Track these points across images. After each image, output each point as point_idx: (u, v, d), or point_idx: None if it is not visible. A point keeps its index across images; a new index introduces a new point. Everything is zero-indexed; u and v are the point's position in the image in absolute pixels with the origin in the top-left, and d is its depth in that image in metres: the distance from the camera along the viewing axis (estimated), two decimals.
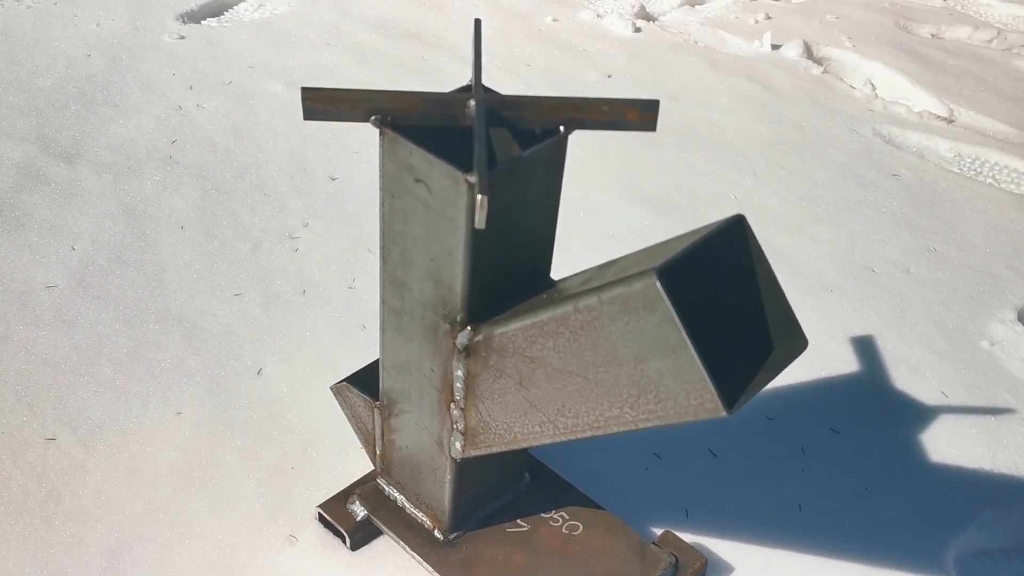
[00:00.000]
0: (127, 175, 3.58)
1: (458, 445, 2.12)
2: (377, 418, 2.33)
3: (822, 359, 3.09)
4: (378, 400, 2.31)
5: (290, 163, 3.77)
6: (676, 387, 1.61)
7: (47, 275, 3.09)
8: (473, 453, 2.11)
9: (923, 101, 4.76)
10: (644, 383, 1.67)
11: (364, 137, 3.94)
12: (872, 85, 4.81)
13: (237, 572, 2.30)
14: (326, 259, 3.30)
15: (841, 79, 4.91)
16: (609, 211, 3.69)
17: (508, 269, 1.97)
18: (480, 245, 1.85)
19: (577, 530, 2.38)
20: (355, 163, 3.81)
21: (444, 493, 2.25)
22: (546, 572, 2.26)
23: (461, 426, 2.09)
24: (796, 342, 1.72)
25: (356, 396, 2.37)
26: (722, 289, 1.67)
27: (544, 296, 1.90)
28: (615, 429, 1.77)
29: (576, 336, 1.75)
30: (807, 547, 2.48)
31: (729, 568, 2.41)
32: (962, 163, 4.30)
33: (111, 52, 4.37)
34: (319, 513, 2.44)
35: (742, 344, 1.68)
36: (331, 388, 2.44)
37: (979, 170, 4.27)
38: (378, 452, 2.40)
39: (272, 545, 2.37)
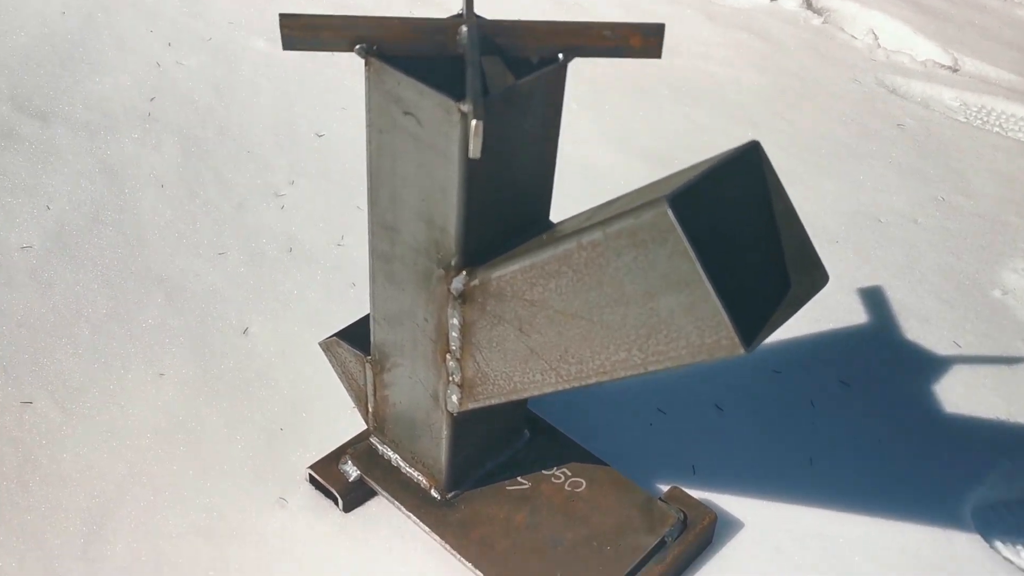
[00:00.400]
0: (104, 133, 3.43)
1: (455, 398, 2.01)
2: (369, 374, 2.21)
3: (829, 311, 2.98)
4: (369, 355, 2.19)
5: (275, 120, 3.63)
6: (688, 325, 1.50)
7: (21, 236, 2.96)
8: (471, 406, 2.00)
9: (926, 50, 4.63)
10: (653, 323, 1.56)
11: (352, 93, 3.80)
12: (874, 35, 4.68)
13: (225, 536, 2.19)
14: (313, 217, 3.18)
15: (842, 29, 4.77)
16: (605, 165, 3.56)
17: (504, 209, 1.85)
18: (475, 180, 1.73)
19: (580, 487, 2.27)
20: (342, 120, 3.67)
21: (440, 450, 2.14)
22: (549, 531, 2.16)
23: (457, 378, 1.97)
24: (816, 277, 1.61)
25: (346, 351, 2.25)
26: (737, 220, 1.55)
27: (544, 236, 1.79)
28: (622, 374, 1.66)
29: (580, 275, 1.64)
30: (819, 501, 2.39)
31: (739, 524, 2.32)
32: (968, 112, 4.18)
33: (86, 9, 4.21)
34: (310, 474, 2.32)
35: (759, 279, 1.56)
36: (320, 344, 2.32)
37: (985, 119, 4.15)
38: (370, 410, 2.29)
39: (262, 508, 2.26)
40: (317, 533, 2.22)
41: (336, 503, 2.28)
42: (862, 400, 2.69)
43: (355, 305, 2.82)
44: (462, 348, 1.92)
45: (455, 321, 1.90)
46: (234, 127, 3.57)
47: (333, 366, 2.33)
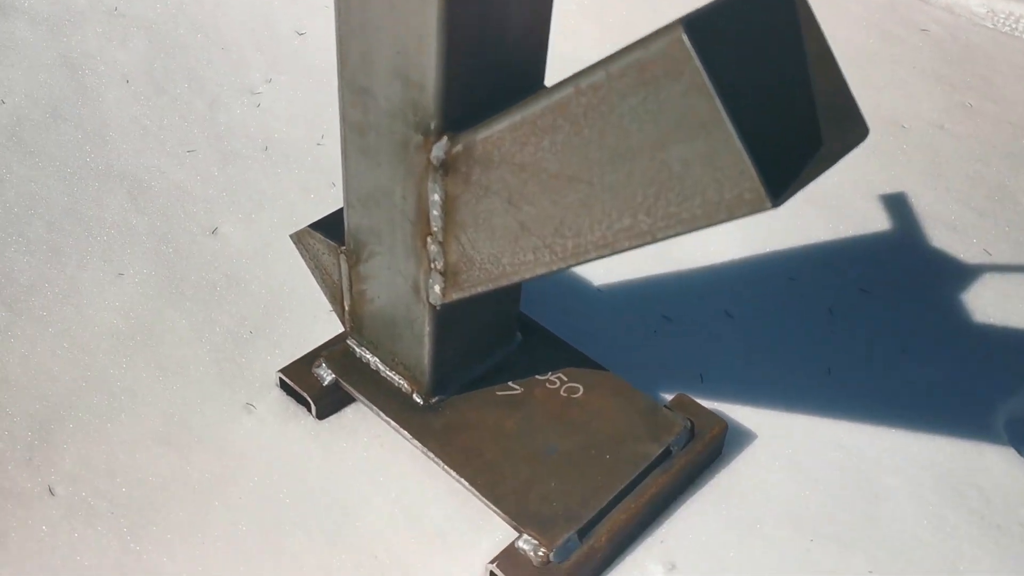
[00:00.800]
0: (66, 27, 3.18)
1: (437, 288, 1.80)
2: (344, 266, 2.00)
3: (847, 217, 2.76)
4: (344, 245, 1.98)
5: (252, 17, 3.37)
6: (706, 177, 1.28)
7: None
8: (455, 296, 1.79)
9: None
10: (664, 179, 1.34)
11: None
12: None
13: (186, 443, 1.99)
14: (292, 116, 2.94)
15: None
16: None
17: (490, 65, 1.62)
18: (456, 24, 1.49)
19: (577, 392, 2.07)
20: (325, 17, 3.40)
21: (423, 349, 1.94)
22: (543, 438, 1.96)
23: (440, 264, 1.76)
24: (854, 129, 1.39)
25: (319, 242, 2.03)
26: (764, 58, 1.32)
27: (537, 93, 1.55)
28: (626, 244, 1.44)
29: (578, 128, 1.41)
30: (838, 412, 2.19)
31: (751, 435, 2.12)
32: (996, 19, 3.91)
33: None
34: (280, 379, 2.12)
35: (788, 126, 1.34)
36: (291, 236, 2.10)
37: (1014, 26, 3.89)
38: (346, 308, 2.07)
39: (226, 414, 2.06)
40: (287, 440, 2.02)
41: (308, 409, 2.07)
42: (884, 308, 2.48)
43: (335, 206, 2.58)
44: (444, 229, 1.70)
45: (436, 197, 1.67)
46: (208, 24, 3.31)
47: (306, 261, 2.11)
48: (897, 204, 2.84)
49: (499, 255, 1.64)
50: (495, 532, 1.88)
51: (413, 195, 1.72)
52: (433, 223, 1.71)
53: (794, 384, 2.26)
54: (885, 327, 2.43)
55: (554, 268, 1.58)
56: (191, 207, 2.56)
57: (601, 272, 2.51)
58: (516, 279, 1.66)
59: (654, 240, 1.41)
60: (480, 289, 1.73)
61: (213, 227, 2.51)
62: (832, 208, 2.78)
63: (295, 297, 2.34)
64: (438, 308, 1.85)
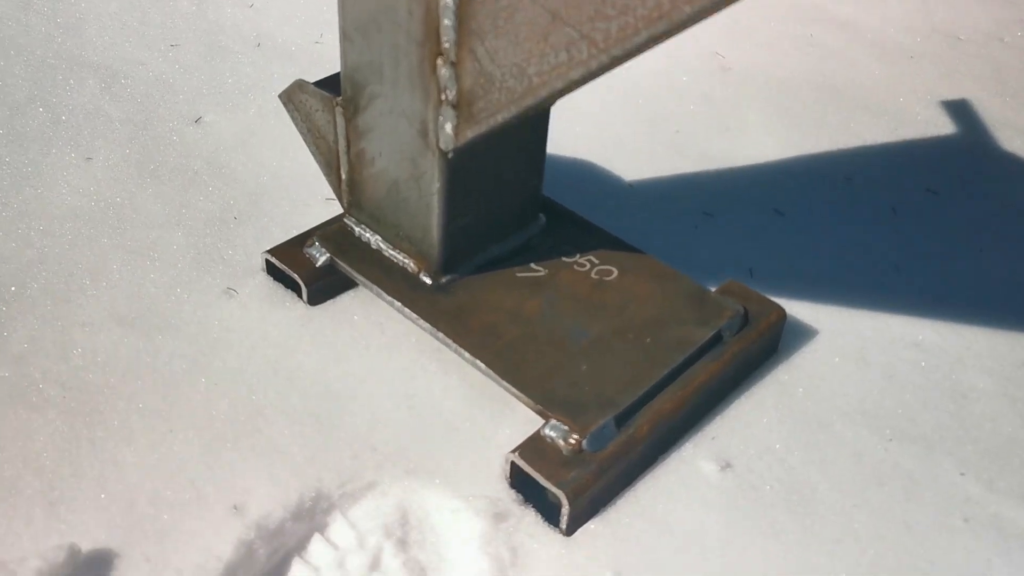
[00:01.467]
0: None
1: (449, 127, 1.52)
2: (340, 122, 1.72)
3: (906, 122, 2.47)
4: (339, 95, 1.70)
5: None
6: None
7: None
8: (470, 134, 1.50)
9: None
10: None
11: None
12: None
13: (153, 326, 1.70)
14: (288, 15, 2.67)
15: None
16: None
17: None
18: None
19: (611, 275, 1.78)
20: None
21: (432, 215, 1.65)
22: (570, 321, 1.67)
23: (452, 94, 1.48)
24: None
25: (312, 96, 1.75)
26: None
27: None
28: (687, 10, 1.16)
29: None
30: (911, 309, 1.89)
31: (811, 331, 1.82)
32: None
33: None
34: (266, 261, 1.84)
35: None
36: (280, 96, 1.82)
37: None
38: (343, 177, 1.79)
39: (202, 299, 1.77)
40: (272, 325, 1.73)
41: (299, 294, 1.79)
42: (954, 208, 2.19)
43: None
44: (458, 43, 1.42)
45: (448, 1, 1.40)
46: None
47: (297, 125, 1.83)
48: (961, 111, 2.55)
49: (524, 63, 1.36)
50: (515, 425, 1.59)
51: (421, 6, 1.44)
52: (444, 37, 1.43)
53: (858, 281, 1.96)
54: (957, 227, 2.14)
55: (592, 68, 1.29)
56: (172, 97, 2.29)
57: (632, 167, 2.23)
58: (543, 95, 1.38)
59: (723, 5, 1.12)
60: (500, 118, 1.44)
61: (196, 116, 2.23)
62: (890, 114, 2.49)
63: (286, 184, 2.06)
64: (450, 156, 1.57)
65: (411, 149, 1.61)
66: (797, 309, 1.86)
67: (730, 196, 2.18)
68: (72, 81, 2.29)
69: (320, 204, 2.00)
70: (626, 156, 2.27)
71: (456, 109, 1.49)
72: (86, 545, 1.36)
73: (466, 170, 1.62)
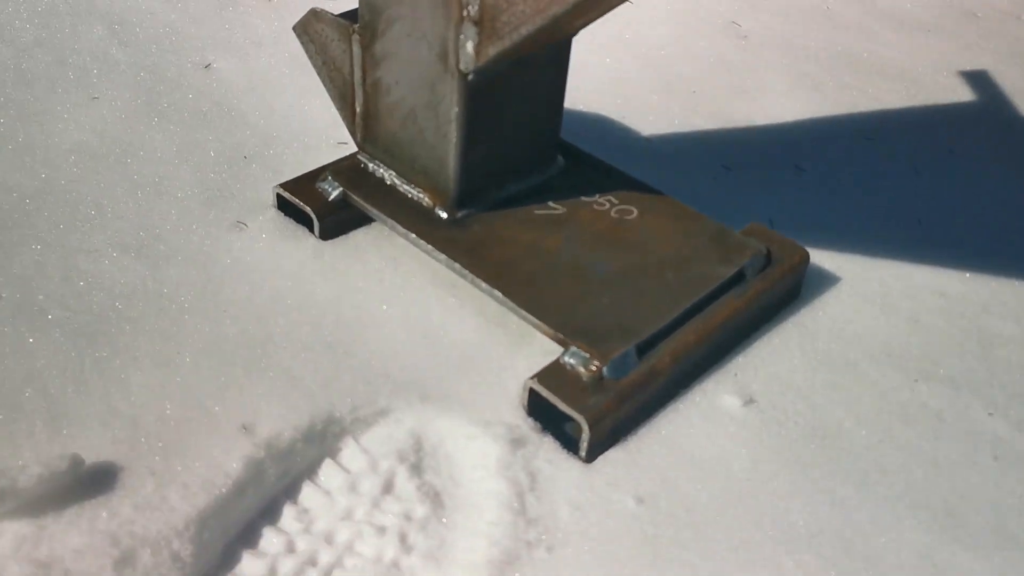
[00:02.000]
0: None
1: (470, 46, 1.48)
2: (356, 51, 1.68)
3: (925, 89, 2.44)
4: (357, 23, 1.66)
5: None
6: None
7: None
8: (492, 52, 1.46)
9: None
10: None
11: None
12: None
13: (160, 255, 1.65)
14: None
15: None
16: None
17: None
18: None
19: (631, 215, 1.74)
20: None
21: (449, 144, 1.61)
22: (590, 256, 1.62)
23: (475, 8, 1.43)
24: None
25: (328, 25, 1.71)
26: None
27: None
28: None
29: None
30: (934, 259, 1.85)
31: (833, 277, 1.78)
32: None
33: None
34: (278, 195, 1.80)
35: None
36: (294, 28, 1.79)
37: None
38: (358, 110, 1.75)
39: (210, 231, 1.72)
40: (284, 257, 1.68)
41: (311, 228, 1.75)
42: (976, 168, 2.15)
43: None
44: None
45: None
46: None
47: (311, 58, 1.79)
48: (979, 80, 2.52)
49: None
50: (532, 356, 1.54)
51: None
52: None
53: (880, 233, 1.92)
54: (978, 186, 2.10)
55: None
56: (181, 44, 2.25)
57: (648, 124, 2.19)
58: (568, 5, 1.34)
59: None
60: (524, 32, 1.40)
61: (206, 63, 2.19)
62: (908, 81, 2.46)
63: (297, 129, 2.02)
64: (470, 78, 1.53)
65: (430, 74, 1.57)
66: (819, 258, 1.82)
67: (749, 152, 2.14)
68: (80, 27, 2.25)
69: (332, 148, 1.96)
70: (642, 114, 2.24)
71: (478, 25, 1.46)
72: (90, 458, 1.31)
73: (485, 96, 1.58)
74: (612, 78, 2.35)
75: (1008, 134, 2.30)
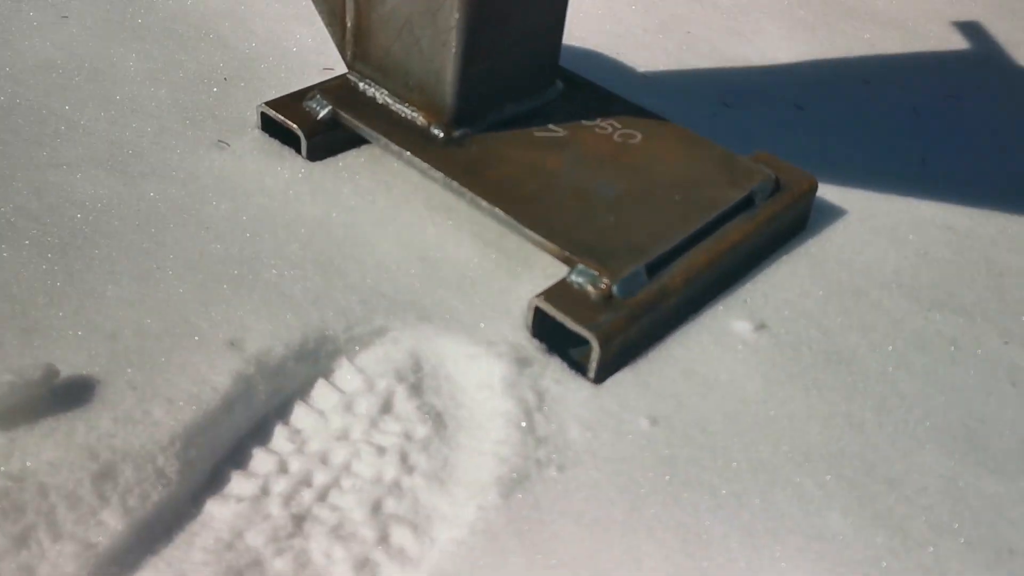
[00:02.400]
0: None
1: None
2: None
3: (920, 37, 2.40)
4: None
5: None
6: None
7: None
8: None
9: None
10: None
11: None
12: None
13: (137, 171, 1.54)
14: None
15: None
16: None
17: None
18: None
19: (634, 139, 1.66)
20: None
21: (448, 53, 1.52)
22: (594, 178, 1.55)
23: None
24: None
25: None
26: None
27: None
28: None
29: None
30: (940, 196, 1.80)
31: (840, 210, 1.73)
32: None
33: None
34: (262, 114, 1.70)
35: None
36: None
37: None
38: (349, 23, 1.66)
39: (191, 148, 1.62)
40: (270, 176, 1.58)
41: (298, 148, 1.65)
42: (975, 111, 2.11)
43: None
44: None
45: None
46: None
47: None
48: (972, 29, 2.49)
49: None
50: (534, 280, 1.46)
51: None
52: None
53: (885, 169, 1.87)
54: (979, 126, 2.06)
55: None
56: None
57: (644, 60, 2.12)
58: None
59: None
60: None
61: None
62: (903, 30, 2.42)
63: (279, 53, 1.91)
64: None
65: None
66: (825, 192, 1.76)
67: (747, 90, 2.08)
68: None
69: (318, 73, 1.86)
70: (637, 51, 2.17)
71: None
72: (65, 371, 1.21)
73: (486, 4, 1.50)
74: (606, 16, 2.28)
75: (1004, 80, 2.27)
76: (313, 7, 1.69)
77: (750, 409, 1.33)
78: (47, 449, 1.13)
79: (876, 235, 1.68)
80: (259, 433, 1.25)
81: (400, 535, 1.15)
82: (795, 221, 1.64)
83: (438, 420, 1.28)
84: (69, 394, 1.19)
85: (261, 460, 1.22)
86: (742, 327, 1.44)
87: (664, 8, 2.36)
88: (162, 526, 1.12)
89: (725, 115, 1.98)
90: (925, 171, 1.89)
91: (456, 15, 1.48)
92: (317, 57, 1.91)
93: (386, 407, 1.28)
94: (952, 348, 1.47)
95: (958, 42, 2.42)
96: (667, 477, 1.22)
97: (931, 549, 1.18)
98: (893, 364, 1.43)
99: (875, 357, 1.43)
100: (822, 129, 1.98)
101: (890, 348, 1.45)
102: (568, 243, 1.42)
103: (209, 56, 1.87)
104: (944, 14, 2.54)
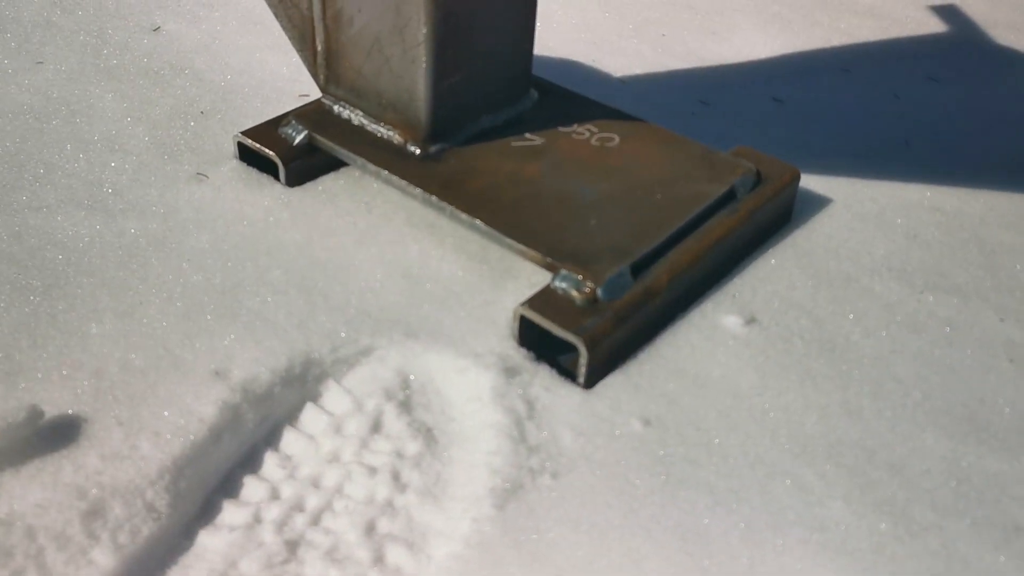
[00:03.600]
0: None
1: None
2: None
3: (897, 22, 2.39)
4: None
5: None
6: None
7: None
8: None
9: None
10: None
11: None
12: None
13: (116, 208, 1.54)
14: None
15: None
16: None
17: None
18: None
19: (612, 142, 1.66)
20: None
21: (418, 68, 1.52)
22: (574, 183, 1.54)
23: None
24: None
25: None
26: None
27: None
28: None
29: None
30: (925, 178, 1.79)
31: (824, 199, 1.71)
32: None
33: None
34: (239, 144, 1.69)
35: None
36: None
37: None
38: (319, 47, 1.66)
39: (170, 183, 1.62)
40: (249, 205, 1.58)
41: (276, 175, 1.65)
42: (956, 93, 2.10)
43: None
44: None
45: None
46: None
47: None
48: (949, 12, 2.48)
49: None
50: (518, 290, 1.45)
51: None
52: None
53: (868, 155, 1.86)
54: (961, 109, 2.05)
55: None
56: (127, 9, 2.14)
57: (620, 65, 2.12)
58: None
59: None
60: None
61: (155, 26, 2.09)
62: (879, 16, 2.41)
63: (255, 84, 1.92)
64: None
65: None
66: (808, 182, 1.75)
67: (725, 87, 2.08)
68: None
69: (293, 100, 1.87)
70: (613, 57, 2.17)
71: None
72: (51, 411, 1.20)
73: (453, 16, 1.50)
74: (579, 24, 2.28)
75: (985, 60, 2.26)
76: (286, 36, 1.70)
77: (744, 403, 1.31)
78: (34, 491, 1.12)
79: (863, 221, 1.67)
80: (249, 461, 1.24)
81: (396, 554, 1.13)
82: (779, 213, 1.62)
83: (429, 436, 1.26)
84: (55, 434, 1.18)
85: (252, 488, 1.21)
86: (732, 322, 1.43)
87: (637, 12, 2.36)
88: (155, 561, 1.11)
89: (704, 113, 1.97)
90: (909, 154, 1.88)
91: (423, 30, 1.48)
92: (292, 85, 1.91)
93: (376, 426, 1.27)
94: (947, 329, 1.45)
95: (936, 25, 2.41)
96: (663, 477, 1.20)
97: (937, 533, 1.17)
98: (888, 349, 1.41)
99: (869, 343, 1.42)
100: (803, 120, 1.97)
101: (884, 333, 1.44)
102: (549, 249, 1.41)
103: (185, 91, 1.87)
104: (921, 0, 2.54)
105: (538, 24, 1.73)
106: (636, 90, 2.05)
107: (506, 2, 1.58)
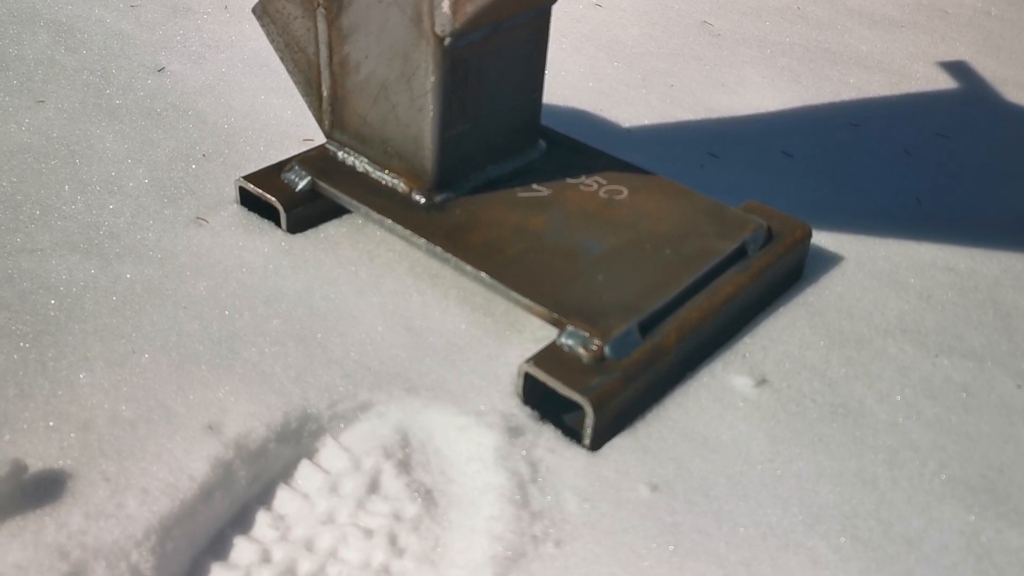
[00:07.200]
0: None
1: (446, 6, 1.37)
2: (322, 27, 1.56)
3: (906, 78, 2.38)
4: None
5: None
6: None
7: None
8: (471, 8, 1.36)
9: None
10: None
11: None
12: None
13: (112, 253, 1.50)
14: None
15: None
16: None
17: None
18: None
19: (621, 194, 1.63)
20: None
21: (425, 118, 1.49)
22: (581, 236, 1.50)
23: None
24: None
25: (290, 1, 1.60)
26: None
27: None
28: None
29: None
30: (939, 237, 1.75)
31: (836, 257, 1.68)
32: None
33: None
34: (240, 189, 1.66)
35: None
36: (253, 10, 1.67)
37: None
38: (325, 93, 1.63)
39: (168, 227, 1.59)
40: (249, 252, 1.54)
41: (277, 222, 1.62)
42: (967, 150, 2.07)
43: None
44: None
45: None
46: None
47: (273, 41, 1.67)
48: (958, 69, 2.47)
49: None
50: (523, 344, 1.41)
51: None
52: None
53: (880, 212, 1.83)
54: (973, 166, 2.02)
55: None
56: (132, 49, 2.13)
57: (628, 116, 2.10)
58: None
59: None
60: None
61: (159, 67, 2.07)
62: (888, 72, 2.40)
63: (259, 126, 1.89)
64: (447, 43, 1.42)
65: (403, 42, 1.46)
66: (820, 239, 1.72)
67: (735, 140, 2.05)
68: (23, 35, 2.12)
69: (297, 144, 1.84)
70: (621, 107, 2.15)
71: None
72: (35, 465, 1.15)
73: (462, 66, 1.47)
74: (588, 74, 2.26)
75: (996, 118, 2.24)
76: (291, 80, 1.67)
77: (755, 470, 1.26)
78: (14, 551, 1.07)
79: (876, 280, 1.63)
80: (240, 521, 1.19)
81: None
82: (791, 270, 1.59)
83: (428, 498, 1.21)
84: (38, 490, 1.13)
85: (243, 550, 1.16)
86: (742, 383, 1.39)
87: (646, 63, 2.35)
88: None
89: (713, 165, 1.94)
90: (921, 212, 1.85)
91: (431, 78, 1.45)
92: (296, 129, 1.88)
93: (373, 486, 1.22)
94: (964, 394, 1.41)
95: (945, 81, 2.40)
96: (671, 547, 1.15)
97: None
98: (903, 415, 1.37)
99: (883, 408, 1.38)
100: (813, 175, 1.95)
101: (898, 398, 1.40)
102: (556, 304, 1.37)
103: (187, 134, 1.84)
104: (930, 55, 2.53)
105: (545, 74, 1.71)
106: (644, 141, 2.02)
107: (516, 53, 1.56)
